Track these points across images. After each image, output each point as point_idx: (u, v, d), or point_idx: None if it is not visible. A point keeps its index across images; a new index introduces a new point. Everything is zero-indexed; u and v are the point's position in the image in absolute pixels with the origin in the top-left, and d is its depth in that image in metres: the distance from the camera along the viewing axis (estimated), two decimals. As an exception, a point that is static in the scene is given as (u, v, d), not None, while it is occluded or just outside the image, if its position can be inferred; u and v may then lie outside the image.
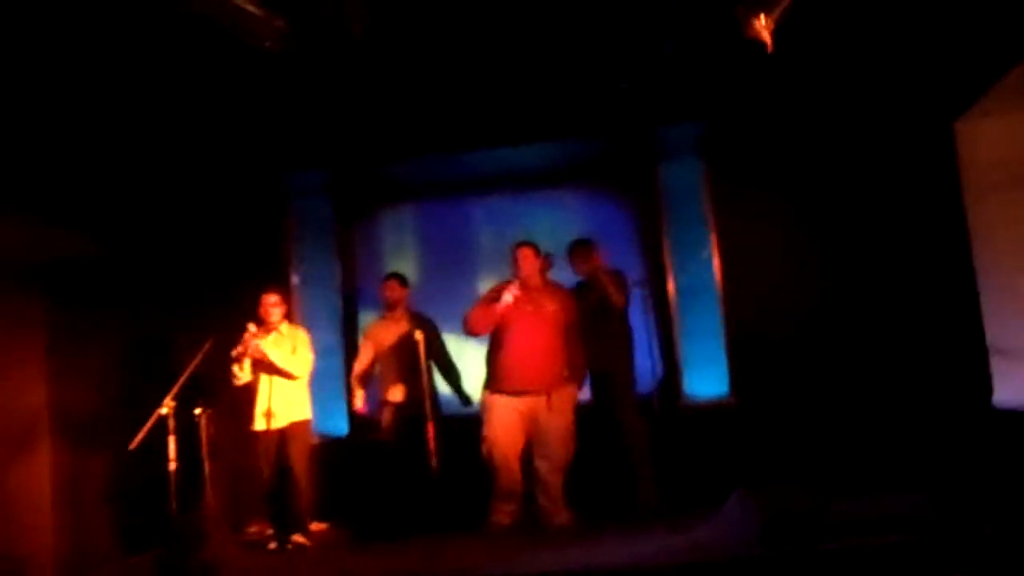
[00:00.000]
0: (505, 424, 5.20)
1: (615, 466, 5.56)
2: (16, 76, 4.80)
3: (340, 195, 6.85)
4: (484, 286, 6.01)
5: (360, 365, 5.94)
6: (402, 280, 5.98)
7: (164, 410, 5.21)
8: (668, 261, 6.48)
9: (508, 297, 5.14)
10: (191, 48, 4.80)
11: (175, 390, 5.29)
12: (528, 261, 5.31)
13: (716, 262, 6.41)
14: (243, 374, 5.60)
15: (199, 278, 6.48)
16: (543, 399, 5.19)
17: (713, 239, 6.43)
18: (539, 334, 5.22)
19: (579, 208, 6.65)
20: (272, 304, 5.71)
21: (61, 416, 6.42)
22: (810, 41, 4.96)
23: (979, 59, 5.10)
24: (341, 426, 6.43)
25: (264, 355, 5.55)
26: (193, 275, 6.48)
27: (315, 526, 5.63)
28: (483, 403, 5.33)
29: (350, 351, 6.40)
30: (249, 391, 5.64)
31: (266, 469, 5.56)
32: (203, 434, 5.54)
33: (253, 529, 5.83)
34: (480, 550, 4.77)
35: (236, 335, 5.56)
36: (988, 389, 5.53)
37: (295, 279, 6.72)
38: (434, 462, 5.10)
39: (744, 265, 6.29)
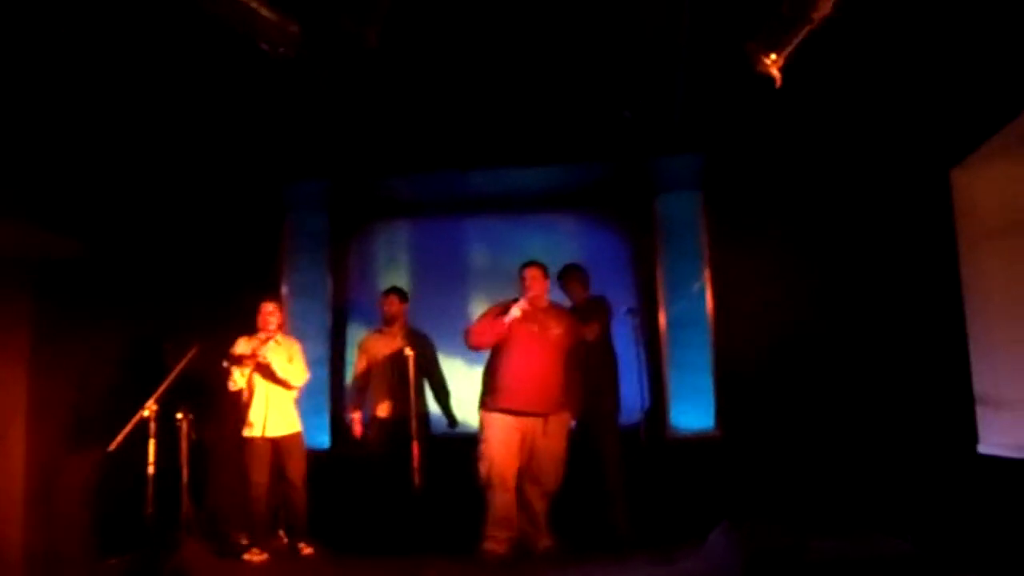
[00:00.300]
0: (505, 444, 5.09)
1: (590, 493, 5.50)
2: (13, 74, 4.77)
3: (336, 208, 6.86)
4: (477, 306, 6.04)
5: (355, 379, 5.90)
6: (402, 295, 5.98)
7: (146, 413, 5.18)
8: (661, 292, 6.48)
9: (516, 311, 5.08)
10: (193, 52, 4.79)
11: (158, 393, 5.26)
12: (537, 282, 5.27)
13: (708, 295, 6.43)
14: (241, 380, 5.59)
15: (189, 284, 6.42)
16: (540, 422, 5.14)
17: (707, 272, 6.44)
18: (542, 356, 5.17)
19: (574, 234, 6.67)
20: (270, 313, 5.71)
21: (40, 414, 6.32)
22: (813, 83, 4.99)
23: (979, 108, 5.13)
24: (323, 439, 6.38)
25: (269, 362, 5.55)
26: (183, 280, 6.42)
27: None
28: (481, 421, 5.21)
29: (336, 365, 6.37)
30: (238, 398, 5.63)
31: (261, 477, 5.53)
32: (184, 439, 5.52)
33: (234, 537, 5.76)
34: (461, 572, 4.70)
35: (226, 342, 5.53)
36: (973, 436, 5.52)
37: (285, 290, 6.69)
38: (417, 480, 5.03)
39: (736, 300, 6.31)
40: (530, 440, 5.13)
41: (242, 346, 5.68)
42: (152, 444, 5.17)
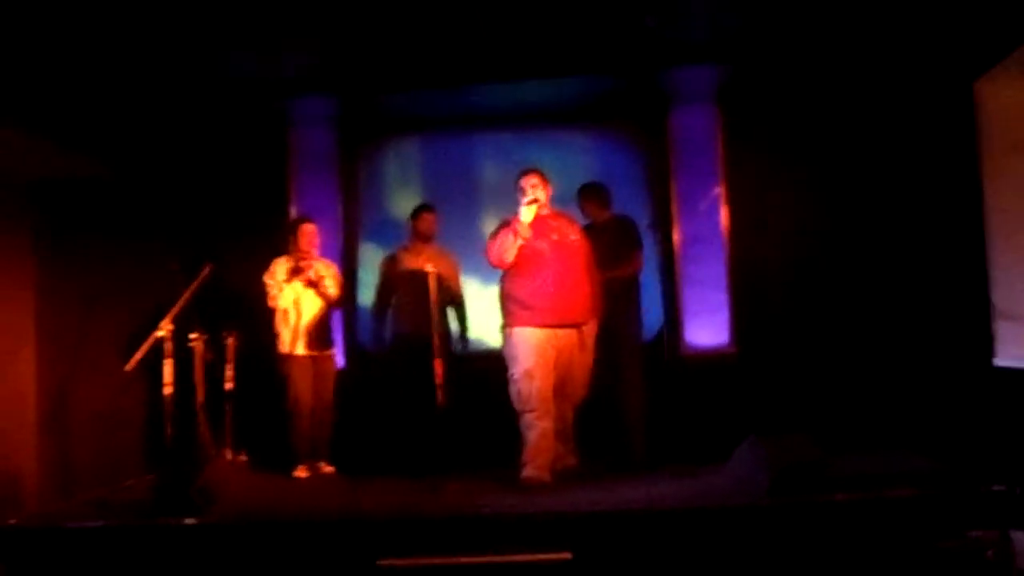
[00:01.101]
0: (543, 362, 4.83)
1: (609, 415, 5.43)
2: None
3: (343, 126, 6.68)
4: (487, 224, 5.91)
5: (378, 295, 5.87)
6: (435, 212, 5.90)
7: (161, 333, 5.12)
8: (675, 208, 6.39)
9: (527, 215, 4.83)
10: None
11: (173, 313, 5.19)
12: (540, 190, 4.99)
13: (724, 211, 6.34)
14: (286, 298, 5.59)
15: (197, 204, 6.33)
16: (576, 333, 4.96)
17: (722, 188, 6.35)
18: (569, 264, 4.93)
19: (587, 149, 6.54)
20: (312, 233, 5.68)
21: (49, 336, 6.30)
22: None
23: (1004, 19, 5.00)
24: (338, 360, 6.33)
25: (322, 277, 5.59)
26: (191, 200, 6.33)
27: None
28: (510, 340, 4.91)
29: (348, 285, 6.28)
30: (282, 316, 5.62)
31: (304, 393, 5.56)
32: (198, 360, 5.50)
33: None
34: (486, 489, 4.71)
35: (239, 261, 5.48)
36: (990, 350, 5.54)
37: (294, 210, 6.58)
38: (441, 398, 5.00)
39: (752, 215, 6.24)
40: (567, 354, 4.93)
41: (282, 265, 5.63)
42: (168, 364, 5.12)
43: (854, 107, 6.08)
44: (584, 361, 5.05)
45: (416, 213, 5.88)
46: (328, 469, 5.60)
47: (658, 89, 6.31)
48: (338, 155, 6.68)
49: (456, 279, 5.90)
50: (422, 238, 5.81)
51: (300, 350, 5.59)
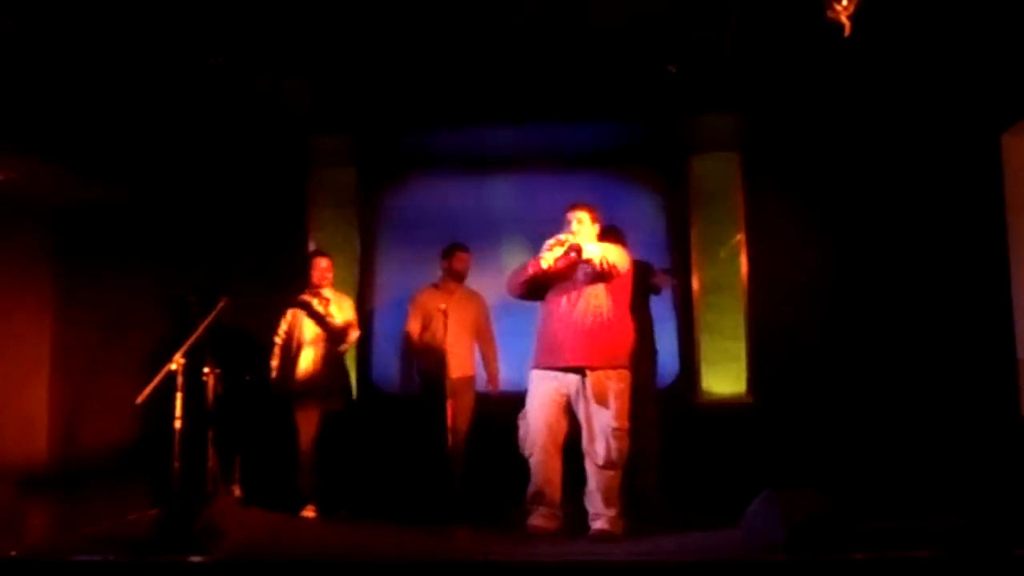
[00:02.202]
0: (542, 401, 4.63)
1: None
2: (48, 24, 4.62)
3: (363, 164, 6.73)
4: (508, 264, 5.87)
5: (406, 333, 5.77)
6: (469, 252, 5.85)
7: (173, 366, 5.09)
8: (694, 255, 6.35)
9: (548, 255, 4.53)
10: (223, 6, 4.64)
11: (186, 347, 5.16)
12: (582, 223, 4.75)
13: (743, 260, 6.30)
14: (280, 340, 5.57)
15: (215, 236, 6.35)
16: (581, 379, 4.59)
17: (742, 236, 6.31)
18: (589, 306, 4.63)
19: (608, 193, 6.47)
20: (325, 268, 5.61)
21: (63, 362, 6.30)
22: (861, 43, 4.81)
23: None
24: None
25: (330, 313, 5.51)
26: (210, 233, 6.35)
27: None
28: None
29: (364, 322, 6.25)
30: (283, 352, 5.57)
31: (310, 432, 5.46)
32: (210, 394, 5.46)
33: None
34: (494, 535, 4.64)
35: (253, 297, 5.45)
36: (1016, 404, 5.42)
37: (312, 246, 6.59)
38: (450, 441, 4.92)
39: (772, 265, 6.20)
40: (578, 401, 4.57)
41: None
42: (179, 398, 5.09)
43: (878, 157, 6.04)
44: (600, 414, 4.52)
45: (450, 252, 5.79)
46: (309, 514, 5.42)
47: (679, 135, 6.31)
48: (357, 192, 6.72)
49: (485, 319, 5.82)
50: (455, 277, 5.74)
51: (304, 387, 5.50)
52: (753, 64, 5.15)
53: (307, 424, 5.48)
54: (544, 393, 4.60)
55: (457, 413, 5.12)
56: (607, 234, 5.58)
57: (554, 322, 4.64)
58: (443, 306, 5.23)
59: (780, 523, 3.99)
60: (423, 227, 6.60)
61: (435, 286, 5.80)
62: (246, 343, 5.81)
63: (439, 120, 5.99)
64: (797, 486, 4.20)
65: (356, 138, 6.47)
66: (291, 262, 6.35)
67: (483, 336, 5.79)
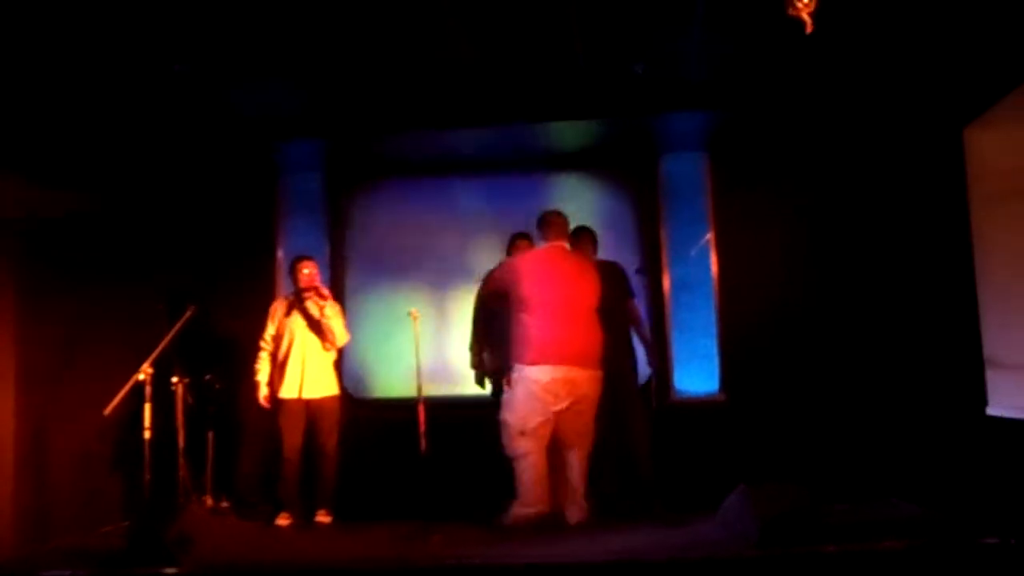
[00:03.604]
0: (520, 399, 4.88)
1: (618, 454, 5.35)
2: (15, 30, 4.57)
3: (332, 170, 6.69)
4: (478, 267, 5.86)
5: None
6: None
7: (141, 376, 5.06)
8: (665, 254, 6.38)
9: None
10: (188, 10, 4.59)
11: (153, 356, 5.13)
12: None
13: (713, 258, 6.33)
14: (269, 339, 5.51)
15: (182, 244, 6.29)
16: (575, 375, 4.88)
17: (712, 235, 6.34)
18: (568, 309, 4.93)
19: (577, 194, 6.51)
20: (307, 271, 5.53)
21: (29, 378, 6.19)
22: (825, 41, 4.86)
23: (994, 67, 5.03)
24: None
25: (326, 315, 5.42)
26: (177, 241, 6.28)
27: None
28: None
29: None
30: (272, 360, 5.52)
31: (294, 439, 5.38)
32: (179, 403, 5.43)
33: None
34: (469, 538, 4.63)
35: (223, 304, 5.42)
36: (982, 399, 5.48)
37: (281, 252, 6.55)
38: (423, 445, 4.91)
39: (741, 262, 6.22)
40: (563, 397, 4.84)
41: (281, 304, 5.58)
42: (148, 408, 5.05)
43: (844, 153, 6.08)
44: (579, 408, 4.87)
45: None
46: (324, 519, 5.36)
47: (648, 135, 6.33)
48: (326, 198, 6.68)
49: None
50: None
51: (292, 394, 5.40)
52: (718, 63, 5.19)
53: (293, 432, 5.40)
54: (531, 395, 4.79)
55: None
56: (578, 234, 5.63)
57: (536, 326, 4.84)
58: (414, 310, 5.23)
59: (754, 517, 4.02)
60: (393, 232, 6.58)
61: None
62: (215, 350, 5.75)
63: (406, 125, 5.95)
64: (771, 481, 4.25)
65: (324, 144, 6.42)
66: (259, 269, 6.35)
67: None
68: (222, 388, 5.65)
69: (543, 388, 4.77)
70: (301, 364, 5.41)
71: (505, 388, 4.93)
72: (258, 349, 5.53)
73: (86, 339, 6.08)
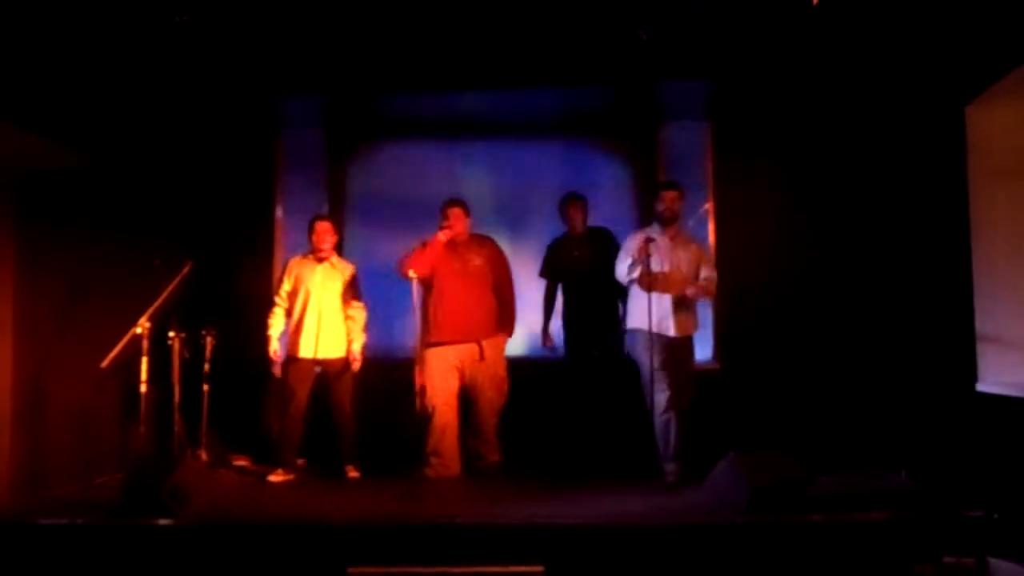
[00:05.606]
0: (441, 374, 5.36)
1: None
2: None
3: (332, 127, 6.66)
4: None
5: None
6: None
7: (139, 330, 5.07)
8: (664, 223, 6.36)
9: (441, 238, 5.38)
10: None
11: (151, 310, 5.14)
12: (459, 220, 5.48)
13: (711, 227, 6.34)
14: (284, 302, 5.54)
15: (182, 199, 6.27)
16: (474, 348, 5.42)
17: (710, 204, 6.34)
18: (466, 287, 5.44)
19: (577, 159, 6.53)
20: (325, 231, 5.55)
21: (27, 328, 6.19)
22: (830, 14, 4.84)
23: (996, 45, 5.00)
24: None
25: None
26: (176, 196, 6.26)
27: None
28: (420, 357, 5.37)
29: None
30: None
31: (302, 397, 5.42)
32: (176, 358, 5.45)
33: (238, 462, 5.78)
34: (454, 496, 4.72)
35: (221, 260, 5.43)
36: (973, 375, 5.52)
37: (280, 210, 6.54)
38: (418, 404, 5.05)
39: (739, 232, 6.23)
40: (469, 365, 5.41)
41: (298, 261, 5.60)
42: (145, 362, 5.07)
43: (845, 127, 6.08)
44: (489, 371, 5.45)
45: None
46: (353, 474, 5.46)
47: (649, 102, 6.31)
48: (326, 156, 6.66)
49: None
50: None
51: (307, 353, 5.44)
52: (722, 32, 5.16)
53: (301, 390, 5.43)
54: (444, 365, 5.38)
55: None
56: (571, 200, 5.66)
57: (444, 306, 5.43)
58: (412, 273, 5.29)
59: (744, 485, 4.08)
60: (391, 191, 6.57)
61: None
62: (213, 305, 5.77)
63: (409, 84, 5.92)
64: (762, 449, 4.30)
65: (325, 101, 6.39)
66: (258, 225, 6.34)
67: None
68: (217, 343, 5.66)
69: None
70: (317, 323, 5.44)
71: None
72: (272, 304, 5.56)
73: (85, 292, 6.07)
